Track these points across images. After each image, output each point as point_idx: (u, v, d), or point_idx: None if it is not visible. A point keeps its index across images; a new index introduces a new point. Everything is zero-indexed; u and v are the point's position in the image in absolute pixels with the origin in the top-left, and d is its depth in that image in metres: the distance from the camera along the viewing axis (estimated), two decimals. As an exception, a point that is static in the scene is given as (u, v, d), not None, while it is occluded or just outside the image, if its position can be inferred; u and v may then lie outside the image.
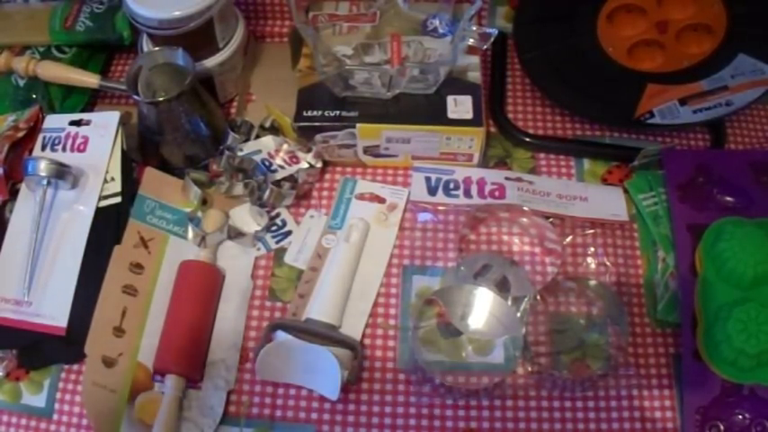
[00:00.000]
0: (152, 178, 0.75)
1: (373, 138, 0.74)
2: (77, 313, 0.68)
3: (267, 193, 0.73)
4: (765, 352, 0.59)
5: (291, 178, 0.76)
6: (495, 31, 0.74)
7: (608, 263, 0.72)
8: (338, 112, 0.74)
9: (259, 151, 0.77)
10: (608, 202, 0.75)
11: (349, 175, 0.79)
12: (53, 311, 0.68)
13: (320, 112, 0.74)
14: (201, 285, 0.70)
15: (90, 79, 0.79)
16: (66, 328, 0.67)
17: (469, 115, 0.73)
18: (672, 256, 0.68)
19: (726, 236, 0.64)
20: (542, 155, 0.80)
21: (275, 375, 0.66)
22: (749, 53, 0.76)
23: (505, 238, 0.74)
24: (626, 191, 0.76)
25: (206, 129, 0.76)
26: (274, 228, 0.75)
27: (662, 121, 0.74)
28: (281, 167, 0.76)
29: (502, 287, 0.69)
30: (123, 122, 0.76)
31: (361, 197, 0.76)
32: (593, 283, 0.70)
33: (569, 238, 0.73)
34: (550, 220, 0.73)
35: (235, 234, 0.73)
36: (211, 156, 0.76)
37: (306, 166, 0.76)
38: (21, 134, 0.75)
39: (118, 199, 0.73)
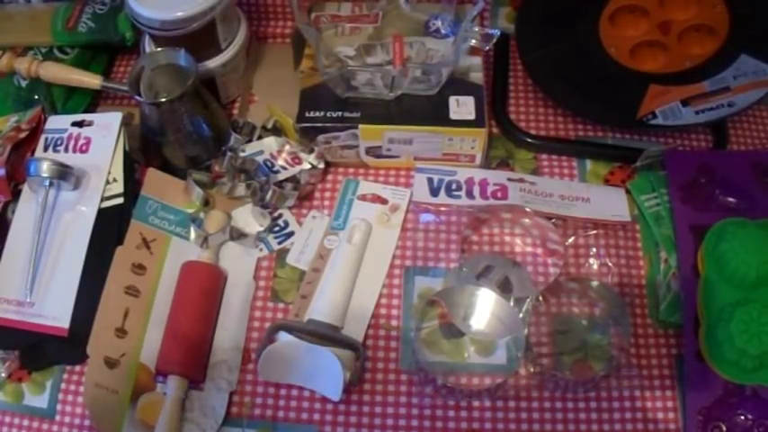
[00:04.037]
0: (154, 179, 0.75)
1: (375, 139, 0.74)
2: (79, 314, 0.68)
3: (269, 193, 0.74)
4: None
5: (294, 179, 0.76)
6: (497, 32, 0.74)
7: (610, 263, 0.72)
8: (340, 113, 0.74)
9: (261, 152, 0.77)
10: (610, 203, 0.75)
11: (351, 175, 0.79)
12: (55, 312, 0.68)
13: (322, 113, 0.74)
14: (204, 286, 0.70)
15: (92, 80, 0.79)
16: (69, 328, 0.67)
17: (472, 116, 0.73)
18: (674, 256, 0.68)
19: (728, 237, 0.64)
20: (544, 156, 0.80)
21: (277, 376, 0.66)
22: (751, 54, 0.76)
23: (508, 238, 0.74)
24: (628, 192, 0.76)
25: (208, 129, 0.76)
26: (276, 229, 0.75)
27: (664, 122, 0.74)
28: (284, 168, 0.76)
29: (504, 288, 0.69)
30: (125, 123, 0.76)
31: (363, 198, 0.76)
32: (595, 283, 0.70)
33: (571, 239, 0.74)
34: (553, 220, 0.73)
35: (237, 235, 0.73)
36: (214, 156, 0.76)
37: (308, 166, 0.76)
38: (23, 135, 0.75)
39: (120, 200, 0.73)
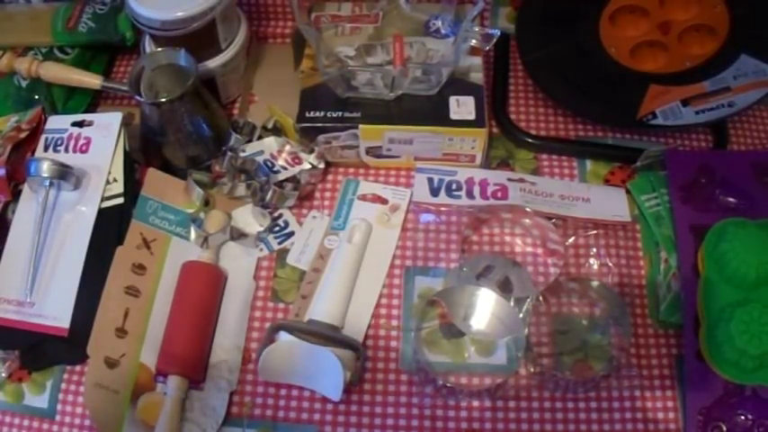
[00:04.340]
0: (154, 179, 0.75)
1: (376, 139, 0.74)
2: (80, 314, 0.68)
3: (270, 193, 0.74)
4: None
5: (294, 179, 0.76)
6: (497, 32, 0.74)
7: (610, 264, 0.72)
8: (341, 113, 0.74)
9: (261, 152, 0.77)
10: (610, 203, 0.75)
11: (351, 175, 0.79)
12: (55, 312, 0.68)
13: (323, 113, 0.74)
14: (204, 286, 0.70)
15: (92, 80, 0.79)
16: (69, 328, 0.67)
17: (472, 116, 0.73)
18: (674, 256, 0.68)
19: (728, 237, 0.64)
20: (545, 156, 0.80)
21: (278, 376, 0.66)
22: (752, 54, 0.76)
23: (508, 238, 0.74)
24: (628, 192, 0.76)
25: (208, 129, 0.76)
26: (277, 229, 0.75)
27: (664, 122, 0.74)
28: (284, 168, 0.76)
29: (504, 288, 0.69)
30: (126, 123, 0.76)
31: (363, 198, 0.76)
32: (595, 283, 0.70)
33: (572, 239, 0.74)
34: (553, 220, 0.73)
35: (237, 235, 0.73)
36: (214, 157, 0.76)
37: (308, 166, 0.76)
38: (23, 135, 0.75)
39: (120, 200, 0.73)
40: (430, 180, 0.76)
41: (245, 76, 0.85)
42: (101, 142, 0.75)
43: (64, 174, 0.71)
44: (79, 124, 0.77)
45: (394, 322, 0.70)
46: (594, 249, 0.73)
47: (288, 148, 0.77)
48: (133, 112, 0.80)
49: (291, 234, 0.75)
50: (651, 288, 0.71)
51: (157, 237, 0.73)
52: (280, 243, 0.74)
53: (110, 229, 0.72)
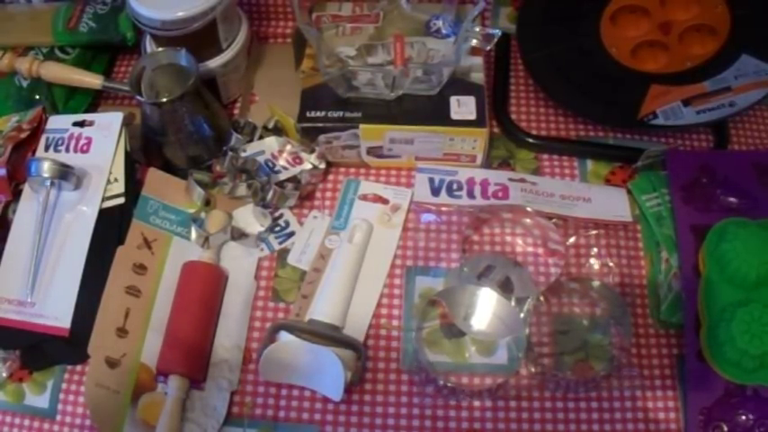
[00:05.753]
0: (155, 179, 0.75)
1: (376, 139, 0.74)
2: (80, 314, 0.68)
3: (270, 193, 0.74)
4: (769, 353, 0.59)
5: (295, 179, 0.76)
6: (498, 32, 0.74)
7: (611, 263, 0.72)
8: (341, 113, 0.74)
9: (262, 152, 0.77)
10: (611, 203, 0.75)
11: (352, 175, 0.79)
12: (56, 312, 0.68)
13: (323, 113, 0.74)
14: (205, 286, 0.70)
15: (93, 80, 0.79)
16: (70, 328, 0.67)
17: (473, 116, 0.73)
18: (675, 256, 0.68)
19: (729, 236, 0.64)
20: (545, 156, 0.80)
21: (278, 376, 0.66)
22: (752, 54, 0.76)
23: (509, 238, 0.74)
24: (629, 192, 0.76)
25: (209, 129, 0.76)
26: (277, 228, 0.75)
27: (665, 122, 0.74)
28: (285, 168, 0.76)
29: (505, 288, 0.69)
30: (126, 123, 0.76)
31: (364, 198, 0.76)
32: (596, 283, 0.70)
33: (572, 239, 0.73)
34: (554, 220, 0.73)
35: (238, 235, 0.73)
36: (215, 156, 0.76)
37: (309, 166, 0.76)
38: (24, 135, 0.75)
39: (121, 200, 0.73)
40: (431, 180, 0.76)
41: (246, 75, 0.85)
42: (101, 142, 0.75)
43: (65, 174, 0.71)
44: (80, 124, 0.77)
45: (395, 322, 0.70)
46: (595, 249, 0.73)
47: (289, 147, 0.77)
48: (134, 112, 0.80)
49: (292, 234, 0.75)
50: (652, 288, 0.71)
51: (158, 236, 0.73)
52: (280, 243, 0.74)
53: (110, 228, 0.72)
